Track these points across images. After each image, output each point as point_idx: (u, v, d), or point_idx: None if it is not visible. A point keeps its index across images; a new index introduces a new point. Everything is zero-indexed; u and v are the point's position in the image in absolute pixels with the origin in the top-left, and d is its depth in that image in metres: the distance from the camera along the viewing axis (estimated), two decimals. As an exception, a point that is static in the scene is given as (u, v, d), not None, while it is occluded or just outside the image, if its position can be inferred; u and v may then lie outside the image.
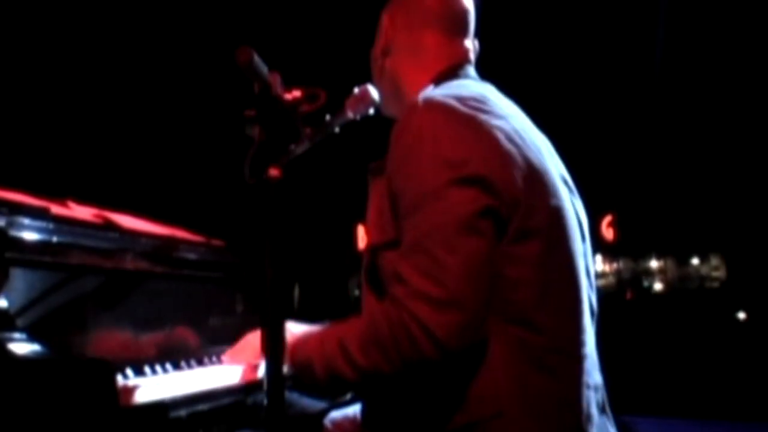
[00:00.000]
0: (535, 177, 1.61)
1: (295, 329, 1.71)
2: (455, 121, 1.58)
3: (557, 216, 1.64)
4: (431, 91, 1.69)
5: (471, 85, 1.76)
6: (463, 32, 1.87)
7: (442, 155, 1.54)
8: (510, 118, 1.66)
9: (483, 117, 1.60)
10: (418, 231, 1.52)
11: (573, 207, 1.74)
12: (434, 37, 1.83)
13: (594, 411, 1.64)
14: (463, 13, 1.87)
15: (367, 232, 1.74)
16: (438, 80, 1.77)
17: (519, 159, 1.59)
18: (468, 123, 1.58)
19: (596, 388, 1.68)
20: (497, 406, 1.53)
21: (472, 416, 1.54)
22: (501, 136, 1.58)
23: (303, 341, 1.65)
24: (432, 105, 1.61)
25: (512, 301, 1.54)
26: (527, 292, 1.55)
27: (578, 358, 1.64)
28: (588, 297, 1.73)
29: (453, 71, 1.81)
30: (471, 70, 1.86)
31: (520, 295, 1.55)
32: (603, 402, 1.71)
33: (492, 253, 1.52)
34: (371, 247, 1.68)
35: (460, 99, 1.62)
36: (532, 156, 1.63)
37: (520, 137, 1.63)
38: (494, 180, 1.52)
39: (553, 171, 1.70)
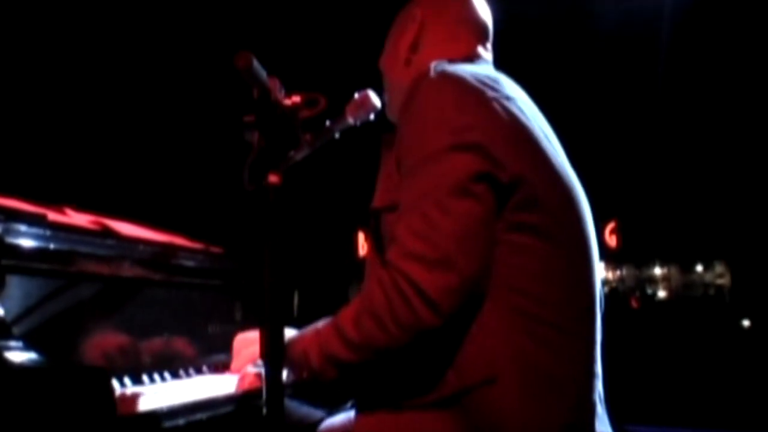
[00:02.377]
0: (540, 158, 1.62)
1: (289, 333, 1.70)
2: (463, 91, 1.60)
3: (567, 195, 1.65)
4: (444, 65, 1.70)
5: (486, 69, 1.79)
6: (487, 40, 1.93)
7: (445, 121, 1.56)
8: (519, 101, 1.67)
9: (491, 93, 1.61)
10: (414, 193, 1.54)
11: (585, 202, 1.75)
12: (468, 35, 1.88)
13: (596, 399, 1.63)
14: (487, 23, 1.93)
15: (375, 198, 1.74)
16: (457, 61, 1.78)
17: (523, 138, 1.60)
18: (475, 95, 1.60)
19: (597, 377, 1.66)
20: (491, 372, 1.52)
21: (465, 380, 1.53)
22: (503, 113, 1.60)
23: (300, 336, 1.65)
24: (442, 74, 1.63)
25: (513, 266, 1.54)
26: (529, 260, 1.55)
27: (582, 339, 1.62)
28: (599, 289, 1.72)
29: (471, 58, 1.83)
30: (490, 64, 1.89)
31: (521, 261, 1.55)
32: (601, 394, 1.68)
33: (488, 217, 1.52)
34: (375, 210, 1.69)
35: (472, 74, 1.64)
36: (538, 138, 1.64)
37: (527, 118, 1.64)
38: (495, 151, 1.53)
39: (562, 159, 1.71)
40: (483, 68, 1.79)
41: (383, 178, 1.72)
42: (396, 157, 1.63)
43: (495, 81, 1.67)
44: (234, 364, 1.89)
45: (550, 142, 1.69)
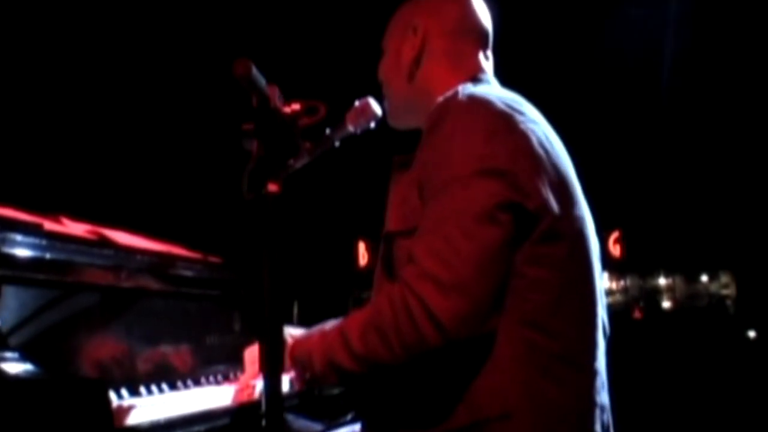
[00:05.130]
0: (563, 185, 1.62)
1: (295, 332, 1.70)
2: (492, 116, 1.59)
3: (581, 225, 1.65)
4: (470, 87, 1.69)
5: (504, 91, 1.78)
6: (487, 46, 1.90)
7: (474, 146, 1.55)
8: (542, 125, 1.68)
9: (519, 118, 1.61)
10: (438, 215, 1.53)
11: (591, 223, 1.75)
12: (471, 45, 1.85)
13: (598, 429, 1.61)
14: (488, 28, 1.91)
15: (387, 222, 1.72)
16: (473, 81, 1.77)
17: (549, 165, 1.60)
18: (504, 120, 1.59)
19: (602, 408, 1.65)
20: (505, 408, 1.51)
21: (478, 415, 1.52)
22: (534, 140, 1.59)
23: (305, 337, 1.64)
24: (472, 98, 1.63)
25: (529, 300, 1.53)
26: (544, 294, 1.54)
27: (588, 372, 1.62)
28: (601, 315, 1.71)
29: (485, 78, 1.82)
30: (496, 80, 1.87)
31: (537, 296, 1.54)
32: (608, 424, 1.67)
33: (509, 247, 1.51)
34: (389, 235, 1.68)
35: (499, 98, 1.64)
36: (560, 164, 1.64)
37: (550, 144, 1.64)
38: (522, 179, 1.53)
39: (577, 183, 1.71)
40: (502, 90, 1.78)
41: (398, 202, 1.70)
42: (418, 180, 1.61)
43: (520, 103, 1.67)
44: (244, 377, 1.88)
45: (568, 165, 1.69)
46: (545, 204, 1.54)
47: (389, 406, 1.65)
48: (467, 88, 1.67)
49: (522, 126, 1.59)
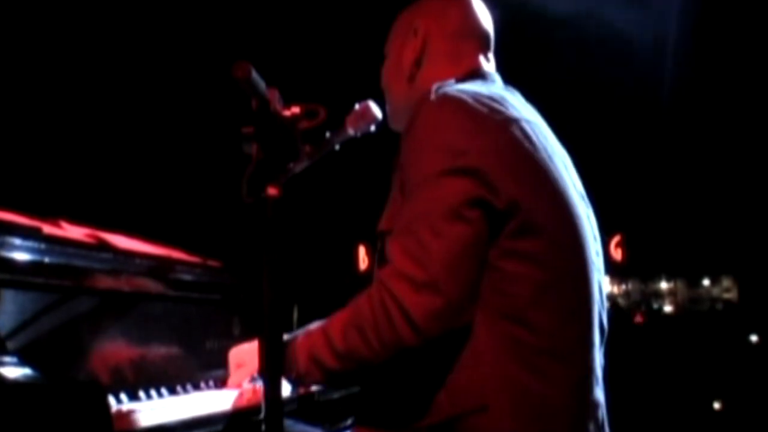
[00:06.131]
0: (541, 181, 1.62)
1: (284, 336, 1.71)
2: (462, 114, 1.61)
3: (566, 221, 1.64)
4: (448, 86, 1.70)
5: (493, 87, 1.78)
6: (489, 49, 1.91)
7: (443, 145, 1.58)
8: (525, 122, 1.67)
9: (492, 116, 1.62)
10: (410, 215, 1.57)
11: (588, 221, 1.74)
12: (472, 48, 1.87)
13: (591, 428, 1.61)
14: (489, 31, 1.92)
15: (381, 221, 1.76)
16: (463, 79, 1.78)
17: (524, 161, 1.61)
18: (475, 118, 1.60)
19: (596, 405, 1.65)
20: (482, 400, 1.53)
21: (456, 408, 1.54)
22: (504, 138, 1.61)
23: (292, 338, 1.67)
24: (443, 98, 1.64)
25: (507, 294, 1.55)
26: (523, 287, 1.56)
27: (578, 367, 1.62)
28: (599, 313, 1.70)
29: (480, 74, 1.83)
30: (498, 77, 1.88)
31: (515, 289, 1.55)
32: (602, 422, 1.67)
33: (479, 243, 1.53)
34: (379, 233, 1.71)
35: (475, 96, 1.64)
36: (542, 161, 1.64)
37: (531, 142, 1.64)
38: (491, 176, 1.54)
39: (567, 180, 1.70)
40: (489, 86, 1.78)
41: (389, 202, 1.73)
42: (400, 180, 1.65)
43: (499, 101, 1.67)
44: (231, 379, 1.87)
45: (553, 162, 1.68)
46: (516, 200, 1.55)
47: (375, 403, 1.67)
48: (442, 87, 1.68)
49: (495, 124, 1.60)
